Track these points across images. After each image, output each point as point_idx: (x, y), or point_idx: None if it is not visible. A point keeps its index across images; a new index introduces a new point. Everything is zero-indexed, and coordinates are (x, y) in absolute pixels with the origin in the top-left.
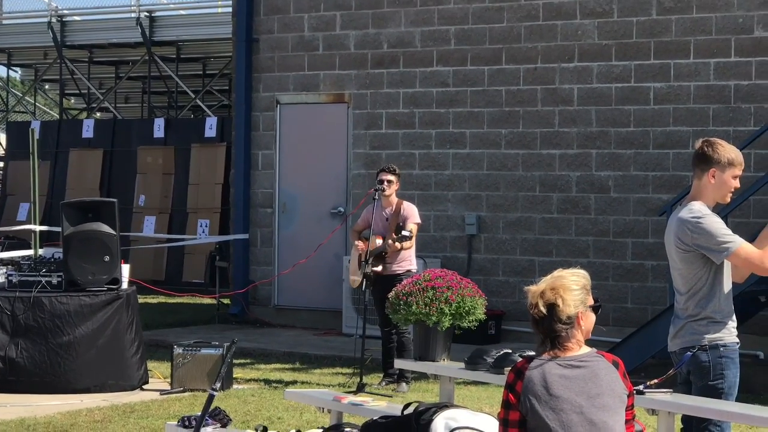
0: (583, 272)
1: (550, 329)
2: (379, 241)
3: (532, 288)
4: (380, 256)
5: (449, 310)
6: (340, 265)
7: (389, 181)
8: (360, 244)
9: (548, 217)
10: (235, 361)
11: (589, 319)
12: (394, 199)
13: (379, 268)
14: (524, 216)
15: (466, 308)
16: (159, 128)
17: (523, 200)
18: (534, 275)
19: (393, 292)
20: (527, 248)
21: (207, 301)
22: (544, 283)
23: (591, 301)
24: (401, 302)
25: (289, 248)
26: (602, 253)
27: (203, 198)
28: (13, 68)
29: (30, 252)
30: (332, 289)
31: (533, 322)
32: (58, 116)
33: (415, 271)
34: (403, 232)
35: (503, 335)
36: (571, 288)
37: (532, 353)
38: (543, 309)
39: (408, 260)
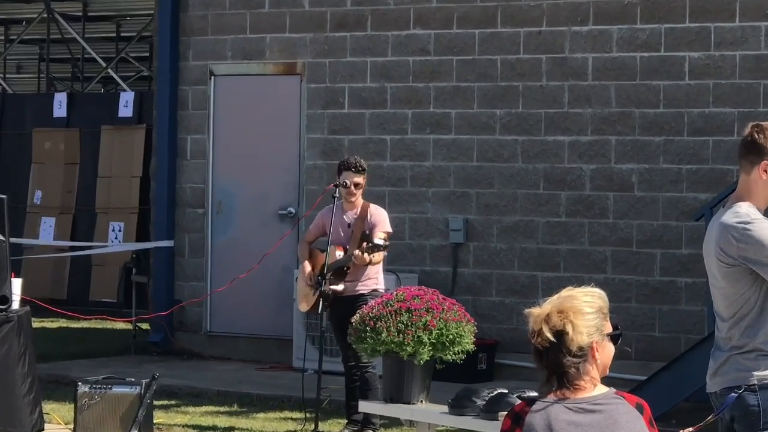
0: (598, 291)
1: (556, 363)
2: (339, 253)
3: (535, 311)
4: (341, 271)
5: (429, 339)
6: (291, 281)
7: (357, 185)
8: (307, 268)
9: (555, 221)
10: (156, 403)
11: (607, 351)
12: (359, 201)
13: (340, 287)
14: (524, 220)
15: (450, 336)
16: (60, 105)
17: (524, 200)
18: (536, 295)
19: (357, 315)
20: (528, 261)
21: (120, 325)
22: (549, 305)
23: (609, 328)
24: (368, 328)
25: (225, 259)
26: (623, 267)
27: (116, 195)
28: None
29: None
30: (280, 311)
31: (536, 355)
32: None
33: (383, 291)
34: (376, 240)
35: (497, 371)
36: (583, 311)
37: (534, 394)
38: (548, 337)
39: (374, 278)
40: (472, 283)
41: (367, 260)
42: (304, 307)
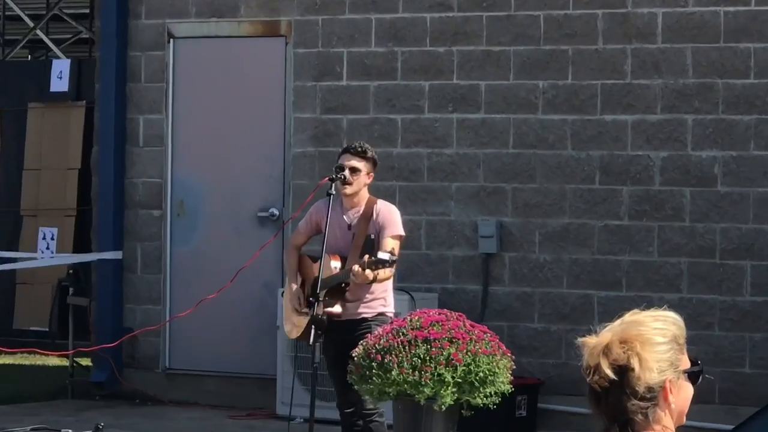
0: (672, 316)
1: (618, 408)
2: (336, 264)
3: (590, 341)
4: (338, 289)
5: (453, 378)
6: (274, 304)
7: (354, 170)
8: (294, 284)
9: (615, 224)
10: None
11: (683, 393)
12: (364, 197)
13: (337, 310)
14: (575, 223)
15: (481, 374)
16: None
17: (574, 197)
18: (591, 320)
19: (360, 347)
20: (580, 276)
21: (54, 361)
22: (609, 333)
23: (687, 363)
24: (374, 364)
25: (189, 275)
26: (703, 284)
27: (48, 192)
28: None
29: None
30: (260, 342)
31: (591, 397)
32: None
33: (392, 315)
34: (380, 254)
35: (541, 418)
36: (653, 341)
37: None
38: (608, 374)
39: (382, 298)
40: (508, 305)
41: (370, 278)
42: (292, 333)
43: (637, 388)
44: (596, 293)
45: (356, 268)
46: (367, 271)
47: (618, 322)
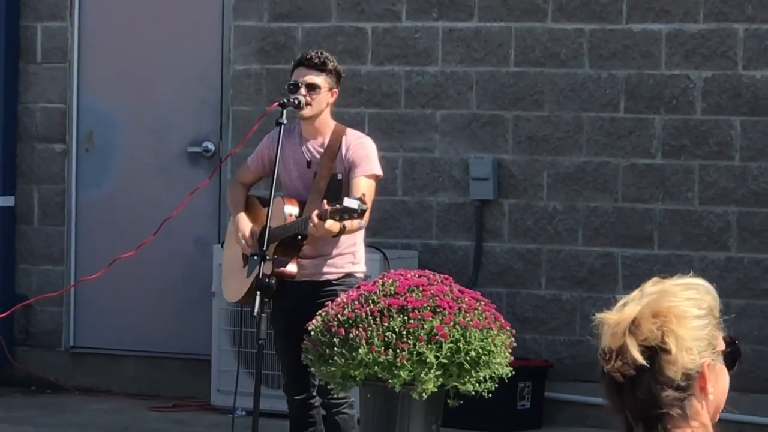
0: (703, 283)
1: (649, 401)
2: (292, 211)
3: (611, 316)
4: (293, 243)
5: (436, 358)
6: (208, 264)
7: (312, 86)
8: (246, 232)
9: (644, 163)
10: None
11: (722, 380)
12: (327, 123)
13: (291, 269)
14: (593, 162)
15: (472, 354)
16: None
17: (593, 128)
18: (614, 285)
19: (318, 318)
20: (600, 229)
21: None
22: (635, 305)
23: (722, 344)
24: (336, 340)
25: (100, 227)
26: (757, 240)
27: None
28: None
29: None
30: (191, 314)
31: (611, 389)
32: None
33: (362, 276)
34: (346, 201)
35: (549, 410)
36: (689, 314)
37: None
38: (638, 359)
39: (350, 254)
40: (508, 266)
41: (334, 231)
42: (232, 294)
43: (672, 375)
44: (620, 251)
45: (315, 218)
46: (330, 222)
47: (637, 293)
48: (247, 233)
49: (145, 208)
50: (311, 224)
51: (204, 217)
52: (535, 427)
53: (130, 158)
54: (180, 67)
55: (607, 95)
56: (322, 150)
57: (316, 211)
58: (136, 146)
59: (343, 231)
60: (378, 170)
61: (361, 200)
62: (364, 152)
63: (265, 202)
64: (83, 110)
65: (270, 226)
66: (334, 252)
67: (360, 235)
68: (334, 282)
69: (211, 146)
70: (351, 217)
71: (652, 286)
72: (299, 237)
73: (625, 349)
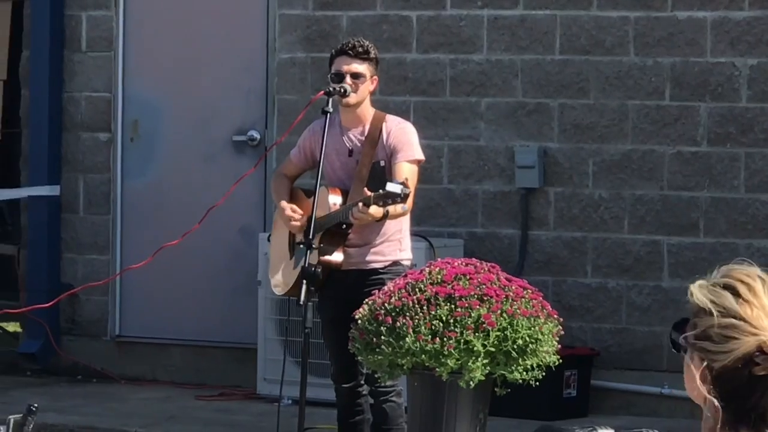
0: (759, 272)
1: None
2: (336, 200)
3: (749, 310)
4: (338, 232)
5: (484, 346)
6: (254, 253)
7: (356, 75)
8: (288, 210)
9: (690, 151)
10: None
11: None
12: (367, 111)
13: (337, 258)
14: (639, 150)
15: (519, 342)
16: None
17: (638, 116)
18: (660, 273)
19: (365, 306)
20: (646, 217)
21: None
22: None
23: None
24: (383, 329)
25: (145, 216)
26: None
27: None
28: None
29: None
30: (236, 302)
31: (747, 387)
32: None
33: (409, 264)
34: (389, 186)
35: (594, 399)
36: None
37: None
38: None
39: (397, 241)
40: (554, 254)
41: (377, 217)
42: (280, 288)
43: None
44: (666, 239)
45: (358, 206)
46: (373, 208)
47: (712, 284)
48: (293, 212)
49: (190, 196)
50: (354, 214)
51: (249, 205)
52: (581, 415)
53: (175, 147)
54: (225, 56)
55: (652, 83)
56: (363, 138)
57: (359, 201)
58: (181, 135)
59: (386, 216)
60: (420, 155)
61: (404, 184)
62: (405, 137)
63: (310, 193)
64: (128, 99)
65: (317, 216)
66: (380, 240)
67: (406, 223)
68: (381, 270)
69: (256, 135)
70: (394, 202)
71: (737, 271)
72: (344, 226)
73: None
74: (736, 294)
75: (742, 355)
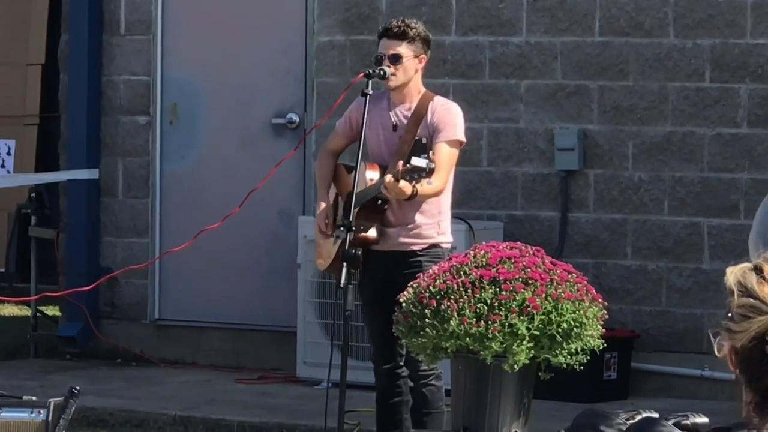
0: None
1: None
2: (373, 175)
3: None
4: (375, 208)
5: (528, 330)
6: (294, 236)
7: (394, 57)
8: (322, 219)
9: (730, 133)
10: None
11: None
12: (416, 89)
13: (372, 234)
14: (679, 132)
15: (564, 326)
16: None
17: (678, 98)
18: (700, 255)
19: (410, 289)
20: (686, 199)
21: (12, 309)
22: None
23: None
24: (427, 311)
25: (184, 200)
26: None
27: (3, 95)
28: None
29: None
30: (275, 286)
31: (751, 360)
32: None
33: (449, 246)
34: (414, 159)
35: (635, 381)
36: None
37: (705, 420)
38: None
39: (435, 223)
40: (594, 236)
41: (407, 192)
42: (321, 263)
43: None
44: (706, 221)
45: (388, 177)
46: (402, 183)
47: (747, 266)
48: (324, 223)
49: (230, 180)
50: (384, 186)
51: (289, 189)
52: (622, 397)
53: (214, 130)
54: (264, 39)
55: (692, 65)
56: (409, 114)
57: (389, 174)
58: (220, 118)
59: (415, 194)
60: (461, 136)
61: (429, 159)
62: (448, 118)
63: (351, 169)
64: (167, 82)
65: (357, 192)
66: (418, 220)
67: (446, 205)
68: (419, 252)
69: (295, 118)
70: (420, 177)
71: None
72: (379, 201)
73: None
74: (760, 274)
75: (755, 334)
